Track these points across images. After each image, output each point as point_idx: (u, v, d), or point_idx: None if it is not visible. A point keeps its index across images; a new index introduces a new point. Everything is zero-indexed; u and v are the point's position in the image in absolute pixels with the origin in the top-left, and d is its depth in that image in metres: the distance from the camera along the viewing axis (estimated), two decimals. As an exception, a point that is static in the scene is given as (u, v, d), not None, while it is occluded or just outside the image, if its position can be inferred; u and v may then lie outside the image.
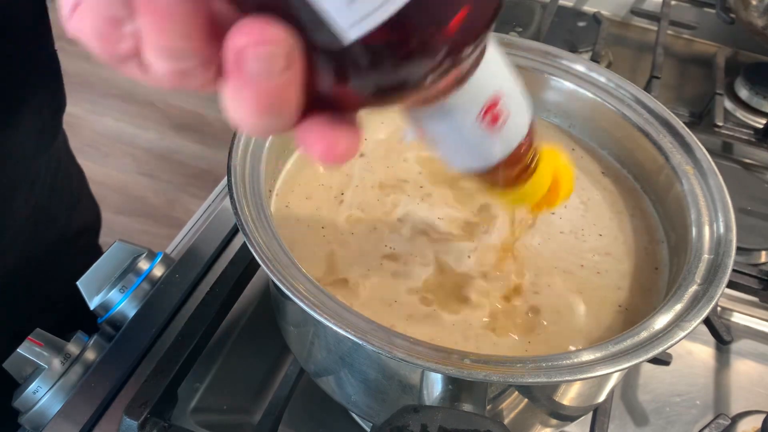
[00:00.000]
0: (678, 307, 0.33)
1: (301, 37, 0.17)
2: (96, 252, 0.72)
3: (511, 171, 0.28)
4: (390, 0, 0.16)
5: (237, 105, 0.18)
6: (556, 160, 0.30)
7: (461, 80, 0.22)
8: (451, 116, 0.24)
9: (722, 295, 0.33)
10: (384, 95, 0.19)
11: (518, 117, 0.25)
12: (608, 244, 0.41)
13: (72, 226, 0.66)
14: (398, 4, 0.16)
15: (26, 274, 0.58)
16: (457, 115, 0.24)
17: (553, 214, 0.42)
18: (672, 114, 0.43)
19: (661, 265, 0.40)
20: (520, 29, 0.79)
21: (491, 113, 0.24)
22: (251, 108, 0.18)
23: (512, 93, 0.25)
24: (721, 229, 0.37)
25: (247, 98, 0.17)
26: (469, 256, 0.39)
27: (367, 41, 0.17)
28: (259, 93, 0.17)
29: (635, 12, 0.87)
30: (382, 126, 0.47)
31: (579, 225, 0.42)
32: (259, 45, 0.16)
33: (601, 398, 0.41)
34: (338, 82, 0.18)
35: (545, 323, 0.37)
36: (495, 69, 0.24)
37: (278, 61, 0.17)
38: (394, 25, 0.17)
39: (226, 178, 0.36)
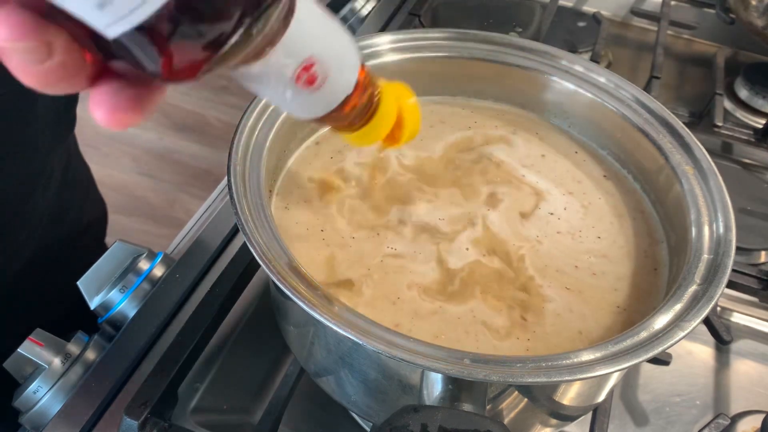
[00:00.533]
0: (678, 307, 0.33)
1: (75, 30, 0.18)
2: (102, 249, 0.72)
3: (344, 119, 0.29)
4: (142, 6, 0.17)
5: (24, 81, 0.20)
6: (401, 99, 0.31)
7: (259, 52, 0.22)
8: (265, 79, 0.25)
9: (722, 295, 0.33)
10: (156, 75, 0.20)
11: (340, 76, 0.26)
12: (607, 247, 0.41)
13: (82, 221, 0.66)
14: (148, 10, 0.17)
15: (36, 271, 0.58)
16: (270, 79, 0.24)
17: (552, 214, 0.43)
18: (672, 114, 0.43)
19: (660, 265, 0.40)
20: (520, 29, 0.79)
21: (306, 76, 0.25)
22: (33, 84, 0.19)
23: (328, 56, 0.25)
24: (721, 229, 0.37)
25: (26, 79, 0.19)
26: (469, 255, 0.39)
27: (127, 37, 0.18)
28: (33, 75, 0.19)
29: (635, 12, 0.87)
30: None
31: (577, 227, 0.42)
32: (16, 41, 0.18)
33: (601, 398, 0.41)
34: (117, 65, 0.20)
35: (545, 323, 0.37)
36: (304, 35, 0.24)
37: (38, 52, 0.18)
38: (150, 26, 0.18)
39: (226, 178, 0.36)
